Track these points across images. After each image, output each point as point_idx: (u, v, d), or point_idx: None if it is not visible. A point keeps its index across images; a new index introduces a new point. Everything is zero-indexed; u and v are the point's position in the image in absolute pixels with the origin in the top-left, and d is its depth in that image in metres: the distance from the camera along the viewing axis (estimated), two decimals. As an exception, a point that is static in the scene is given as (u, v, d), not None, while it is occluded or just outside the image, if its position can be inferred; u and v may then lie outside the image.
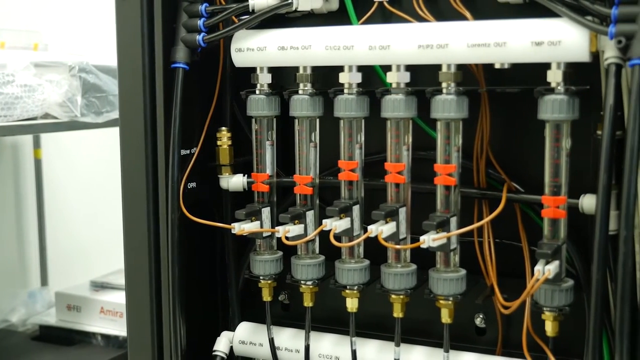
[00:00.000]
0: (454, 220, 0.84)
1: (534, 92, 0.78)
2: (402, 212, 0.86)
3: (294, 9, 0.89)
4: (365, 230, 0.83)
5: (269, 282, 0.96)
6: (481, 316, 0.93)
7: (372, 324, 0.97)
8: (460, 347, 0.91)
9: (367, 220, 0.87)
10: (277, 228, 0.90)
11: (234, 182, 0.98)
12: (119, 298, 2.03)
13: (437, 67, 0.83)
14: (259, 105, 0.93)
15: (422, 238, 0.81)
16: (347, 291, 0.91)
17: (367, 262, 0.91)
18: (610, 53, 0.73)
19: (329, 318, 1.00)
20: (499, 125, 0.90)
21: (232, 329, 1.03)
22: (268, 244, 0.97)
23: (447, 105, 0.82)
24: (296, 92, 0.91)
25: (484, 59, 0.80)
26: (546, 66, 0.78)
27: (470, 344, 0.94)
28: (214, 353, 1.01)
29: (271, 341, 0.97)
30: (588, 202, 0.80)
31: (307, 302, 0.94)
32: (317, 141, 0.93)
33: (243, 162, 1.00)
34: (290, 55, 0.88)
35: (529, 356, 0.83)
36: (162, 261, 0.95)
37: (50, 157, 2.58)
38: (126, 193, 0.97)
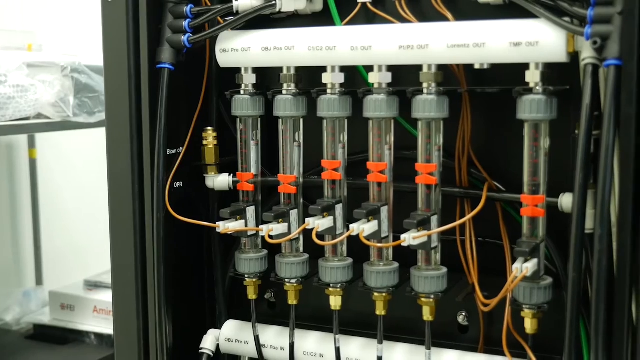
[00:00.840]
0: (435, 219, 0.85)
1: (512, 92, 0.79)
2: (384, 211, 0.87)
3: (277, 10, 0.90)
4: (348, 229, 0.84)
5: (254, 280, 0.97)
6: (464, 314, 0.94)
7: (357, 321, 0.98)
8: (443, 344, 0.92)
9: (350, 219, 0.88)
10: (261, 227, 0.91)
11: (220, 181, 0.99)
12: (113, 297, 2.04)
13: (419, 68, 0.84)
14: (244, 105, 0.94)
15: (403, 236, 0.82)
16: (330, 289, 0.91)
17: (350, 260, 0.92)
18: (587, 54, 0.74)
19: (314, 316, 1.01)
20: (481, 125, 0.91)
21: (219, 327, 1.04)
22: (253, 242, 0.98)
23: (428, 105, 0.83)
24: (280, 92, 0.92)
25: (464, 59, 0.81)
26: (527, 67, 0.79)
27: (453, 341, 0.95)
28: (200, 351, 1.02)
29: (256, 339, 0.98)
30: (567, 201, 0.81)
31: (292, 300, 0.95)
32: (301, 141, 0.94)
33: (229, 162, 1.01)
34: (274, 56, 0.89)
35: (509, 353, 0.84)
36: (148, 260, 0.96)
37: (45, 157, 2.59)
38: (112, 192, 0.98)
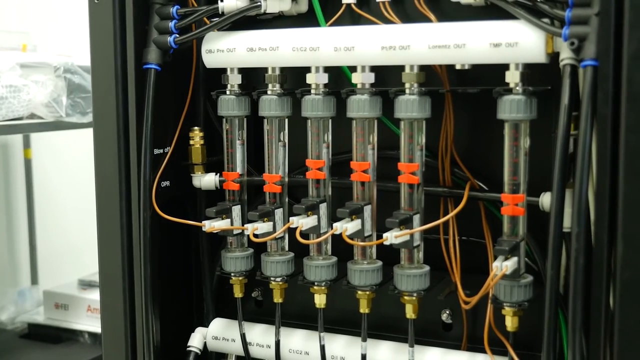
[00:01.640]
0: (417, 218, 0.86)
1: (492, 92, 0.80)
2: (367, 210, 0.88)
3: (262, 11, 0.91)
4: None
5: (240, 278, 0.98)
6: (447, 312, 0.95)
7: (342, 320, 0.99)
8: (427, 342, 0.93)
9: (335, 217, 0.88)
10: (246, 225, 0.92)
11: (206, 180, 1.00)
12: (107, 297, 2.04)
13: (403, 68, 0.85)
14: (229, 105, 0.95)
15: (385, 235, 0.83)
16: (315, 287, 0.92)
17: (334, 259, 0.93)
18: (565, 54, 0.75)
19: (300, 314, 1.02)
20: (464, 125, 0.92)
21: (207, 325, 1.05)
22: (239, 241, 0.99)
23: (410, 105, 0.84)
24: (265, 93, 0.93)
25: (444, 60, 0.82)
26: (508, 67, 0.80)
27: (438, 339, 0.95)
28: (188, 348, 1.03)
29: (242, 337, 0.99)
30: (547, 200, 0.82)
31: (277, 299, 0.96)
32: (286, 140, 0.95)
33: (217, 161, 1.02)
34: (259, 57, 0.90)
35: (490, 351, 0.85)
36: (135, 259, 0.97)
37: (40, 157, 2.60)
38: (100, 191, 0.98)
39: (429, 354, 0.90)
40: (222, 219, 0.95)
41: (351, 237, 0.86)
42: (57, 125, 1.82)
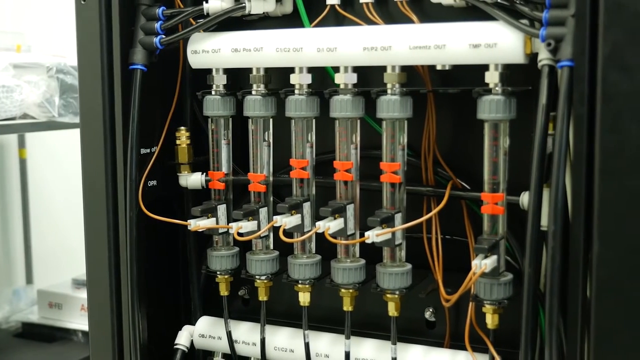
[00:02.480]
0: (398, 217, 0.87)
1: (472, 92, 0.81)
2: (350, 209, 0.89)
3: (247, 12, 0.92)
4: (316, 227, 0.86)
5: (226, 277, 0.99)
6: (431, 310, 0.96)
7: (327, 318, 1.00)
8: (410, 340, 0.94)
9: (319, 217, 0.89)
10: (230, 224, 0.92)
11: (193, 180, 1.01)
12: (100, 296, 2.05)
13: (384, 69, 0.86)
14: (215, 105, 0.96)
15: (367, 233, 0.84)
16: (299, 285, 0.93)
17: (318, 257, 0.94)
18: (543, 55, 0.76)
19: (286, 312, 1.03)
20: (446, 125, 0.93)
21: (194, 323, 1.06)
22: (225, 240, 1.00)
23: (392, 105, 0.85)
24: (250, 93, 0.94)
25: (425, 60, 0.83)
26: (488, 68, 0.81)
27: (421, 337, 0.96)
28: (175, 346, 1.04)
29: (229, 334, 1.00)
30: (527, 199, 0.83)
31: (262, 297, 0.97)
32: (271, 140, 0.96)
33: (203, 161, 1.02)
34: (243, 57, 0.91)
35: (470, 348, 0.86)
36: (122, 257, 0.98)
37: (35, 157, 2.61)
38: (87, 191, 0.99)
39: (411, 351, 0.91)
40: (208, 217, 0.96)
41: (334, 235, 0.87)
42: (50, 125, 1.84)
